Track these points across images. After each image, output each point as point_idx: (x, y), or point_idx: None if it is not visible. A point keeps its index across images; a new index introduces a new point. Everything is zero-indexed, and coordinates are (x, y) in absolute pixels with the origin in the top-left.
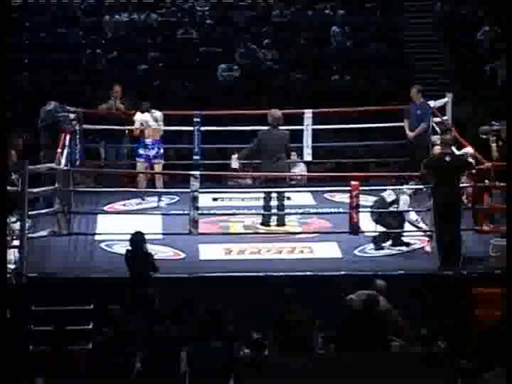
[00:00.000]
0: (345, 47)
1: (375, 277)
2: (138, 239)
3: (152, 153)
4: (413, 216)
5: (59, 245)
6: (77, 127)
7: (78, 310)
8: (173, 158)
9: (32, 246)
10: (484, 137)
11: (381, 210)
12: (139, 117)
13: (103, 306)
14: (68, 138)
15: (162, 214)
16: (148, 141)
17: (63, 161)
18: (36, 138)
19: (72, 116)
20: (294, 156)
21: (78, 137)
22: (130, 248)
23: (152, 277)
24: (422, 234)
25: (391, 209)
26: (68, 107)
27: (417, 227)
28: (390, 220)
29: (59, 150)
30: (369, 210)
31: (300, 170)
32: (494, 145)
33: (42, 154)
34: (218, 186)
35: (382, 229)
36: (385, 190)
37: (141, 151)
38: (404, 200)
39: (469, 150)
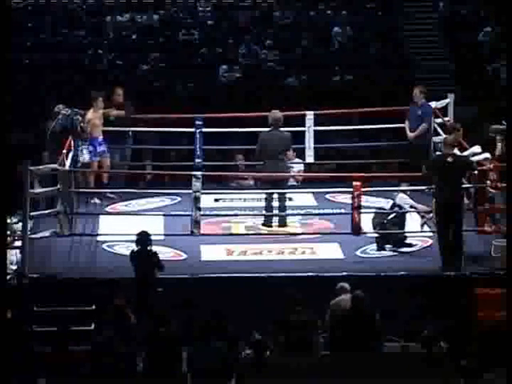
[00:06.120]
0: (346, 48)
1: (376, 277)
2: (144, 239)
3: (102, 149)
4: (412, 202)
5: (61, 245)
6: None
7: (80, 311)
8: (174, 159)
9: (34, 247)
10: (492, 135)
11: (382, 221)
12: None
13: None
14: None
15: (164, 215)
16: (100, 139)
17: (68, 162)
18: (36, 139)
19: (80, 118)
20: (291, 155)
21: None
22: (136, 248)
23: (157, 277)
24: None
25: (392, 215)
26: (78, 110)
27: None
28: (391, 228)
29: (64, 152)
30: (371, 224)
31: (298, 170)
32: (499, 144)
33: (46, 155)
34: (220, 186)
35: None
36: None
37: (96, 149)
38: (400, 198)
39: (478, 149)
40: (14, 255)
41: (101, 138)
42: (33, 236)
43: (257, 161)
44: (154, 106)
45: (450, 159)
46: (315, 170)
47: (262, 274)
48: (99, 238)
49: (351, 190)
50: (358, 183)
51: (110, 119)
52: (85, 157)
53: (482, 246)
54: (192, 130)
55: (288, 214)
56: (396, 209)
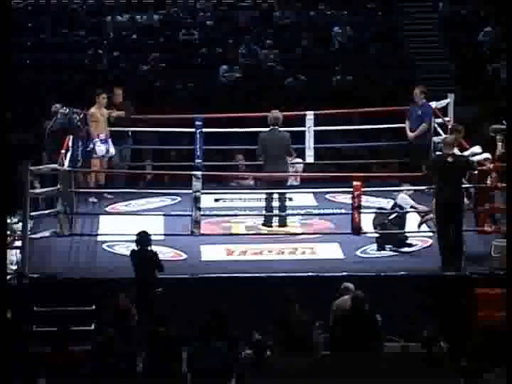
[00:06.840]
0: (346, 48)
1: (376, 277)
2: (144, 239)
3: (105, 148)
4: (412, 202)
5: (61, 245)
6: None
7: (80, 311)
8: (174, 159)
9: (34, 247)
10: (492, 135)
11: (383, 221)
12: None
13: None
14: (71, 139)
15: (164, 215)
16: (102, 136)
17: (66, 162)
18: (36, 139)
19: (78, 117)
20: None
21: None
22: (136, 248)
23: (157, 277)
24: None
25: (393, 215)
26: (75, 109)
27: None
28: (392, 228)
29: (63, 151)
30: (371, 224)
31: (297, 170)
32: (500, 144)
33: (45, 155)
34: (220, 186)
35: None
36: (385, 197)
37: (98, 148)
38: (401, 198)
39: (478, 149)
40: (14, 255)
41: (102, 136)
42: (33, 236)
43: (259, 161)
44: (154, 106)
45: (450, 159)
46: (315, 170)
47: (262, 274)
48: (99, 238)
49: (351, 189)
50: (358, 183)
51: (110, 120)
52: (101, 149)
53: (482, 246)
54: (192, 130)
55: (288, 214)
56: (397, 209)
